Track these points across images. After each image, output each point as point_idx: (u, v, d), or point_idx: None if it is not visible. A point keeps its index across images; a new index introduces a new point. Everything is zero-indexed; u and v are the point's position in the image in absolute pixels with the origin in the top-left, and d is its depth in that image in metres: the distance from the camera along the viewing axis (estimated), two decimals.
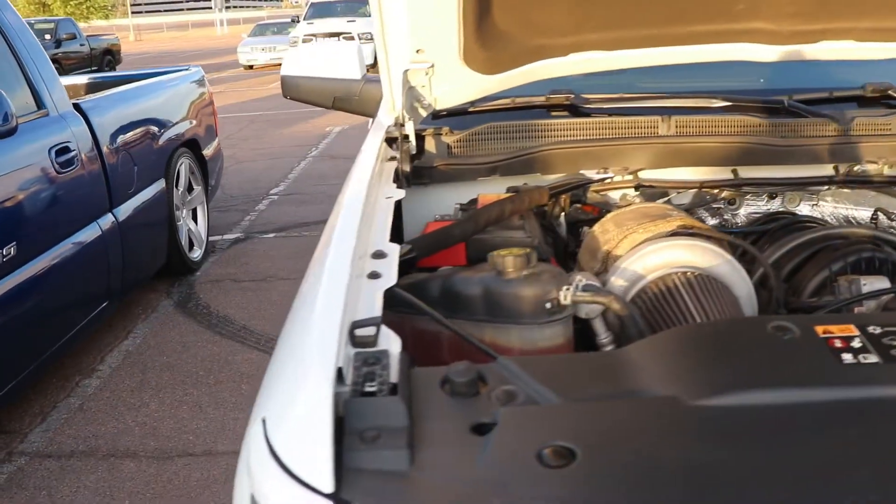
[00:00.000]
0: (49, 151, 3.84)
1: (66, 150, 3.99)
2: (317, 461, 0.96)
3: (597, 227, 1.86)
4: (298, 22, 20.83)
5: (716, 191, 2.25)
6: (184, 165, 5.67)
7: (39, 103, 3.96)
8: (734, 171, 2.24)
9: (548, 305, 1.46)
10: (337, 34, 18.93)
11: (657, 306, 1.60)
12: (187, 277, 5.71)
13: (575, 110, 2.34)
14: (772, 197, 2.35)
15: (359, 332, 1.20)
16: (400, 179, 2.00)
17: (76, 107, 4.33)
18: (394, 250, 1.50)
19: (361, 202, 1.62)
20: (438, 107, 2.26)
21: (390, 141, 2.15)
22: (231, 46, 29.08)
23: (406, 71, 2.10)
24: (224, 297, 5.35)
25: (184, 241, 5.59)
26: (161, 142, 5.24)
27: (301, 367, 1.11)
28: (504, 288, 1.47)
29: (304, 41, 19.13)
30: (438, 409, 1.08)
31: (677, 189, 2.21)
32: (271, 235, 6.72)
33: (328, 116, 13.49)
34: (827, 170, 2.22)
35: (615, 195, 2.22)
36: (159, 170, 5.19)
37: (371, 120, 4.55)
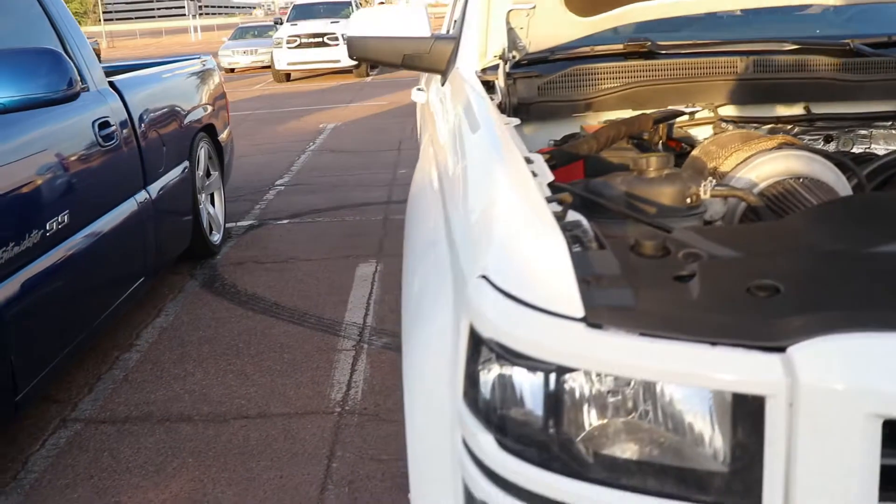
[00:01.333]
0: (93, 125, 3.89)
1: (106, 124, 4.04)
2: (563, 293, 1.05)
3: (698, 150, 1.96)
4: (282, 24, 20.83)
5: (788, 127, 2.36)
6: (203, 150, 5.72)
7: (81, 78, 4.00)
8: (806, 108, 2.35)
9: (688, 200, 1.55)
10: (321, 35, 18.98)
11: (779, 206, 1.70)
12: (209, 261, 5.76)
13: (652, 56, 2.45)
14: (827, 140, 2.46)
15: (550, 207, 1.29)
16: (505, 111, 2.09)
17: (111, 85, 4.37)
18: (538, 158, 1.59)
19: (493, 124, 1.70)
20: (531, 49, 2.35)
21: (486, 84, 2.24)
22: (207, 53, 28.87)
23: (509, 11, 2.20)
24: (249, 277, 5.40)
25: (205, 225, 5.64)
26: (184, 124, 5.29)
27: (515, 225, 1.20)
28: (647, 186, 1.56)
29: (287, 42, 19.16)
30: (637, 266, 1.17)
31: (754, 125, 2.32)
32: (285, 221, 6.78)
33: (320, 114, 13.56)
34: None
35: (696, 132, 2.32)
36: (184, 152, 5.24)
37: (423, 77, 4.61)
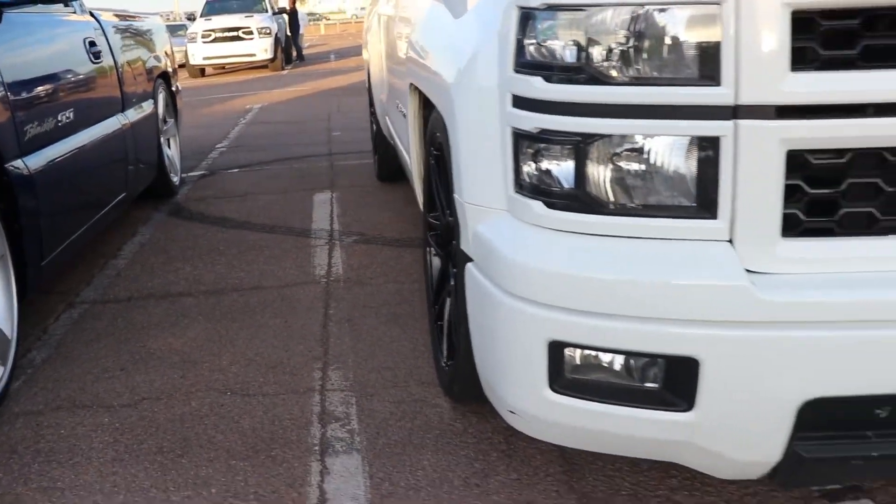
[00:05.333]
0: (84, 41, 4.29)
1: (94, 43, 4.44)
2: None
3: None
4: (195, 20, 20.97)
5: None
6: (162, 95, 6.10)
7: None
8: None
9: None
10: (236, 29, 19.21)
11: None
12: (170, 200, 6.13)
13: None
14: None
15: None
16: None
17: (90, 14, 4.77)
18: None
19: None
20: None
21: None
22: None
23: None
24: (214, 207, 5.81)
25: (166, 164, 6.02)
26: (147, 66, 5.68)
27: None
28: None
29: (202, 37, 19.33)
30: None
31: None
32: (235, 170, 7.19)
33: (245, 98, 13.88)
34: None
35: None
36: (149, 90, 5.62)
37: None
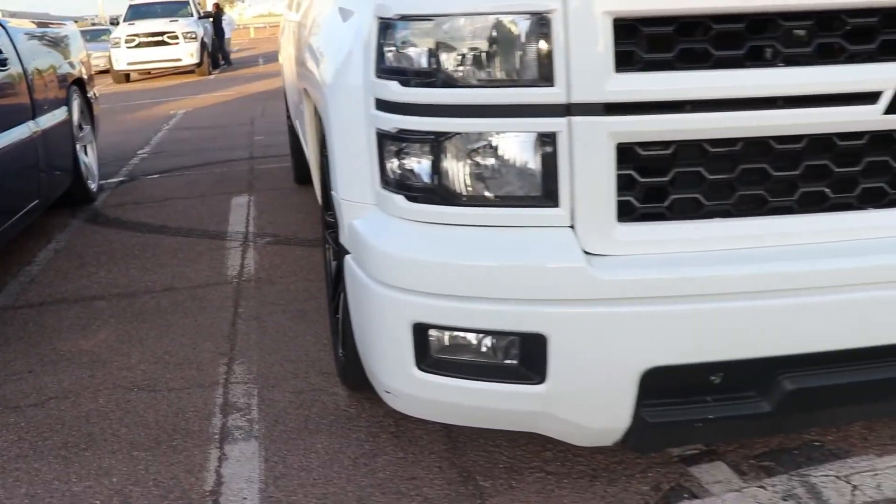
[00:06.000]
0: None
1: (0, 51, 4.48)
2: None
3: None
4: (118, 24, 20.74)
5: None
6: (76, 102, 6.12)
7: None
8: None
9: None
10: (161, 34, 19.06)
11: None
12: (87, 206, 6.15)
13: None
14: None
15: None
16: None
17: None
18: None
19: None
20: None
21: None
22: None
23: None
24: (131, 213, 5.86)
25: (83, 170, 6.05)
26: (60, 73, 5.70)
27: None
28: None
29: (126, 42, 19.14)
30: None
31: None
32: (155, 176, 7.22)
33: (169, 104, 13.81)
34: None
35: None
36: (62, 98, 5.65)
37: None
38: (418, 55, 1.79)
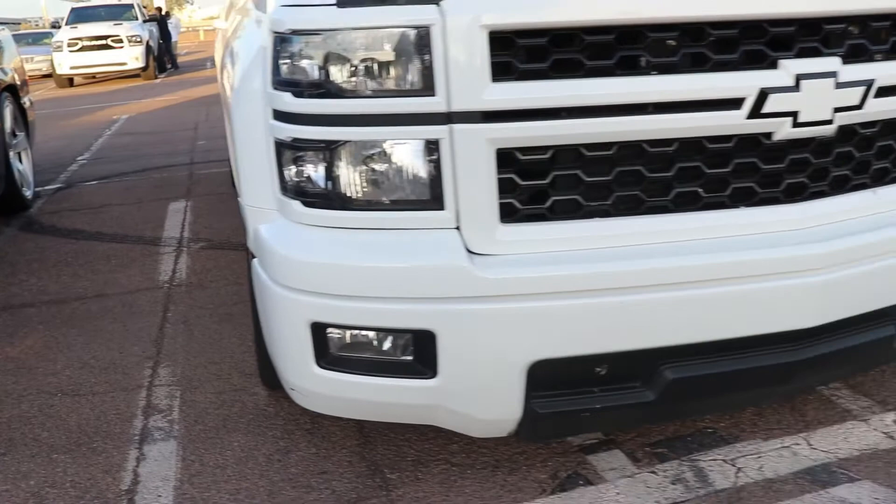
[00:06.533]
0: None
1: None
2: None
3: None
4: (60, 27, 20.49)
5: None
6: (8, 109, 6.11)
7: None
8: None
9: None
10: (105, 37, 18.88)
11: None
12: (22, 214, 6.13)
13: None
14: None
15: None
16: None
17: None
18: None
19: None
20: None
21: None
22: None
23: None
24: (67, 220, 5.86)
25: (17, 178, 6.03)
26: None
27: None
28: None
29: (69, 45, 18.91)
30: None
31: None
32: (94, 183, 7.21)
33: (112, 109, 13.71)
34: None
35: None
36: None
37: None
38: (310, 68, 1.88)
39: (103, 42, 18.82)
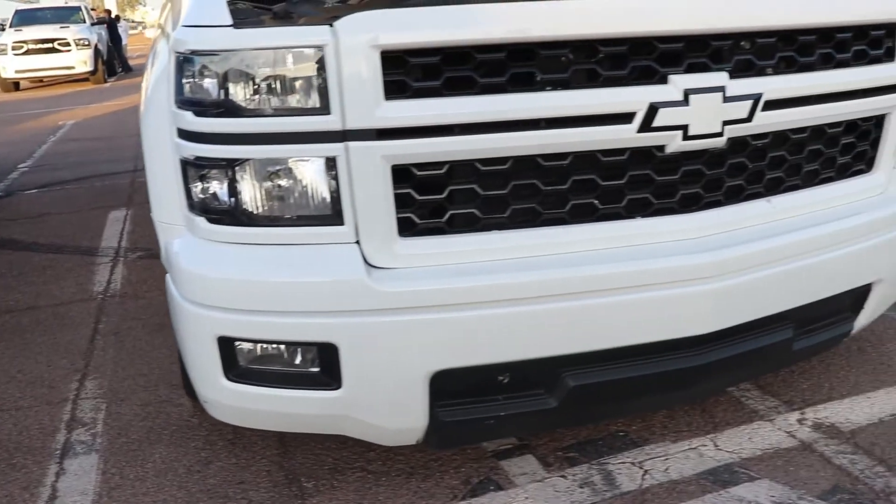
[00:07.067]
0: None
1: None
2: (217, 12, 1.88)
3: None
4: (4, 29, 20.14)
5: None
6: None
7: None
8: None
9: None
10: (51, 40, 18.58)
11: None
12: None
13: None
14: None
15: None
16: None
17: None
18: None
19: None
20: None
21: None
22: None
23: None
24: (3, 229, 5.80)
25: None
26: None
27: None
28: None
29: (13, 49, 18.60)
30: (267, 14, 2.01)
31: None
32: (34, 191, 7.14)
33: (58, 114, 13.56)
34: None
35: None
36: None
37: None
38: (209, 87, 1.91)
39: (50, 45, 18.50)
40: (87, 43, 18.65)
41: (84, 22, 19.68)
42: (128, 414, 2.88)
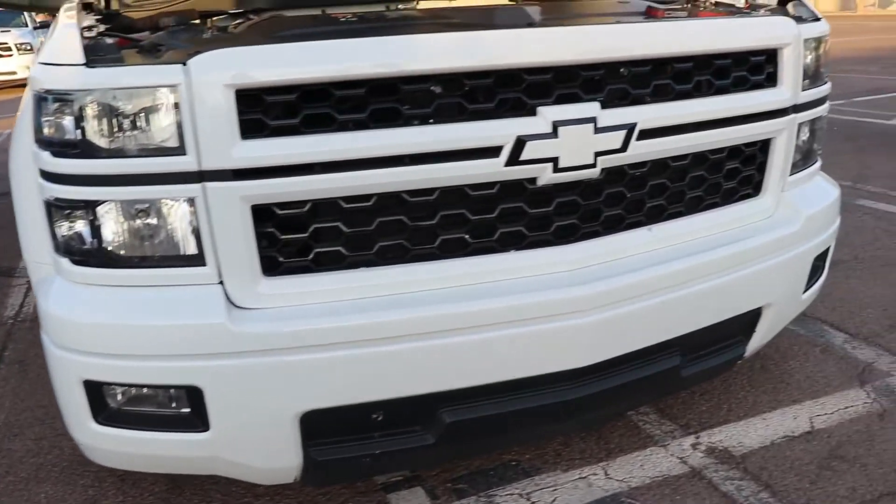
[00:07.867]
0: None
1: None
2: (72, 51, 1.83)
3: None
4: None
5: None
6: None
7: None
8: None
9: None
10: None
11: None
12: None
13: None
14: None
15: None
16: None
17: None
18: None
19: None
20: None
21: None
22: None
23: None
24: None
25: None
26: None
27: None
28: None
29: None
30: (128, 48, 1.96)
31: None
32: None
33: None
34: None
35: None
36: None
37: None
38: (65, 127, 1.86)
39: None
40: (29, 48, 18.30)
41: (26, 26, 19.31)
42: (19, 450, 2.81)
